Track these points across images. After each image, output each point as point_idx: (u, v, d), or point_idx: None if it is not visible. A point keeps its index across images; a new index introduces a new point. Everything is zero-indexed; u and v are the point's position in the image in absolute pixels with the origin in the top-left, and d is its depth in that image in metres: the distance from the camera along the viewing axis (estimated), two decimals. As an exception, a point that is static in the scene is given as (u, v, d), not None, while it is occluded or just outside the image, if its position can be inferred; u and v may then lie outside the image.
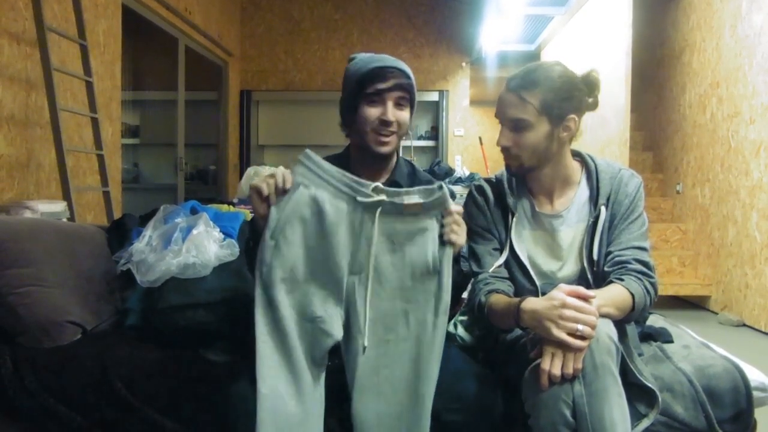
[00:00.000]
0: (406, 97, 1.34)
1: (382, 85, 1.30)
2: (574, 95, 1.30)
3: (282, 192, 1.14)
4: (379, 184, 1.16)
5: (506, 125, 1.33)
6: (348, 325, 1.17)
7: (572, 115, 1.31)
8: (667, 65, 4.84)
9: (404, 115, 1.34)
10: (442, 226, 1.16)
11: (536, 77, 1.29)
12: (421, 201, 1.16)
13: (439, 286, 1.15)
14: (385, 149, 1.34)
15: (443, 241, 1.16)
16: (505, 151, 1.35)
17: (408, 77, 1.34)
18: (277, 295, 1.12)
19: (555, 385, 1.09)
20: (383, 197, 1.15)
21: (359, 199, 1.15)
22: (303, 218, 1.14)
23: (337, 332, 1.15)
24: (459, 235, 1.17)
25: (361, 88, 1.31)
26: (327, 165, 1.16)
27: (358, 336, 1.16)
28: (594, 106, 1.37)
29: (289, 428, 1.10)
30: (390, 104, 1.31)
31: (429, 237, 1.16)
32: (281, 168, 1.16)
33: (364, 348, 1.15)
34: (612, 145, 4.10)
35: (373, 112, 1.31)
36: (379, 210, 1.15)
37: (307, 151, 1.16)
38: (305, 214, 1.14)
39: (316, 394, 1.15)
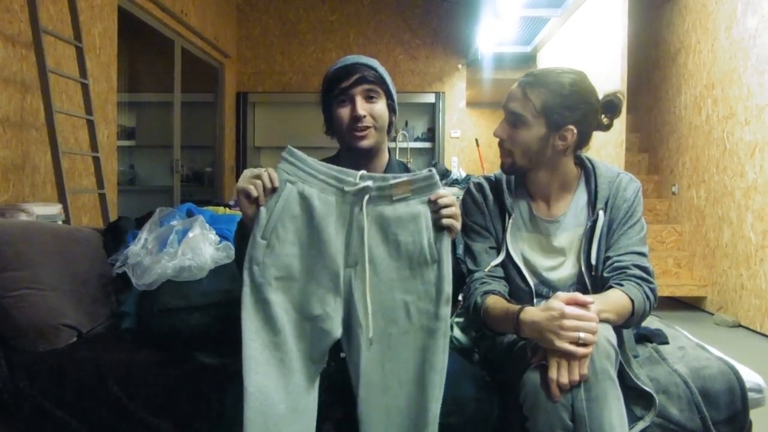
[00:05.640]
0: (375, 89, 1.34)
1: (345, 83, 1.32)
2: (579, 107, 1.29)
3: (270, 191, 1.15)
4: (364, 171, 1.16)
5: (506, 118, 1.34)
6: (348, 320, 1.15)
7: (571, 126, 1.29)
8: (663, 67, 4.85)
9: (377, 107, 1.34)
10: (435, 212, 1.15)
11: (546, 79, 1.29)
12: (409, 179, 1.15)
13: (440, 276, 1.14)
14: (364, 143, 1.33)
15: (439, 228, 1.15)
16: (499, 144, 1.36)
17: (373, 69, 1.35)
18: (271, 294, 1.11)
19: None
20: (369, 183, 1.14)
21: (346, 189, 1.15)
22: (294, 216, 1.14)
23: (336, 330, 1.14)
24: (455, 219, 1.16)
25: (329, 93, 1.34)
26: (311, 160, 1.17)
27: (358, 330, 1.14)
28: (606, 127, 1.36)
29: (278, 429, 1.09)
30: (359, 99, 1.32)
31: (422, 224, 1.15)
32: (265, 169, 1.16)
33: (371, 340, 1.13)
34: (608, 146, 4.11)
35: (344, 111, 1.33)
36: (366, 197, 1.14)
37: (290, 147, 1.17)
38: (295, 212, 1.14)
39: (309, 394, 1.14)
